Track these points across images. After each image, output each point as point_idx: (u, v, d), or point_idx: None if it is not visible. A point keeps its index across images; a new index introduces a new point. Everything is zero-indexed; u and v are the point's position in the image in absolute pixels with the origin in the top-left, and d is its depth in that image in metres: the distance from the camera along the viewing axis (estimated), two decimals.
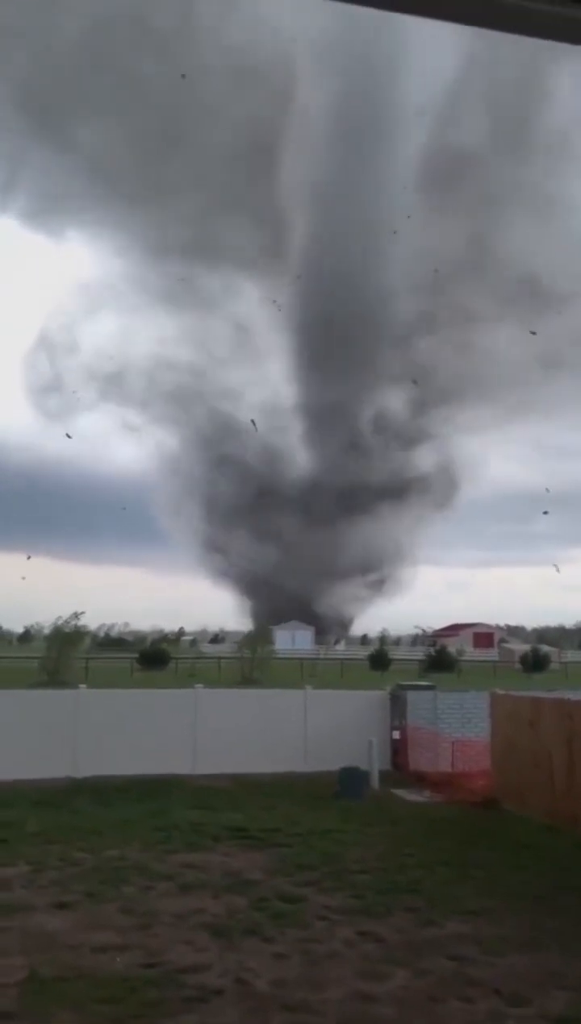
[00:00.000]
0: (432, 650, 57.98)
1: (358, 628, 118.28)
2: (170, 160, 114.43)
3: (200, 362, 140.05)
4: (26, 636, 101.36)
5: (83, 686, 19.28)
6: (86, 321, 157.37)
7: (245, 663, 43.74)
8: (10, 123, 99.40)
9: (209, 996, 6.67)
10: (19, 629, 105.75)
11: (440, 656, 54.87)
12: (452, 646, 65.48)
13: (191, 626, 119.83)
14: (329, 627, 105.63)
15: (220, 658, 56.05)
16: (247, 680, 39.48)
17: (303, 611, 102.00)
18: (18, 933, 8.01)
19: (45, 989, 6.73)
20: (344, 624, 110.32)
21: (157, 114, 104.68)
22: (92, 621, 79.40)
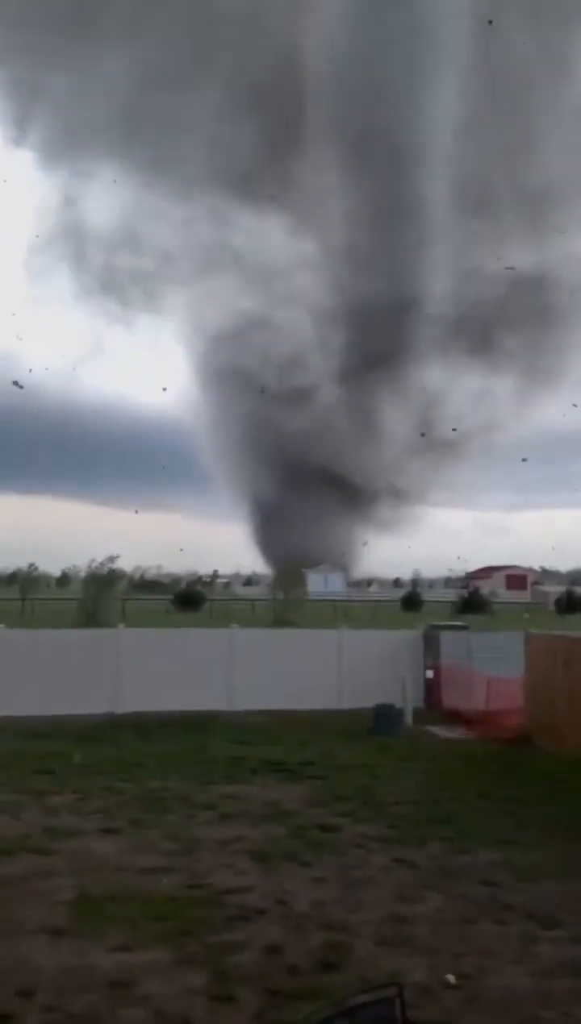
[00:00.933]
0: (465, 592, 58.14)
1: (390, 570, 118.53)
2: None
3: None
4: (64, 579, 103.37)
5: (121, 626, 19.70)
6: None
7: (278, 605, 44.28)
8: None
9: (252, 915, 6.98)
10: (56, 572, 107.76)
11: (473, 598, 55.04)
12: (485, 588, 65.62)
13: (225, 569, 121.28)
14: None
15: (254, 600, 56.79)
16: (281, 622, 40.00)
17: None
18: (68, 856, 8.39)
19: (95, 907, 7.08)
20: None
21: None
22: (127, 564, 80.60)
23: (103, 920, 6.80)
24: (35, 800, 10.39)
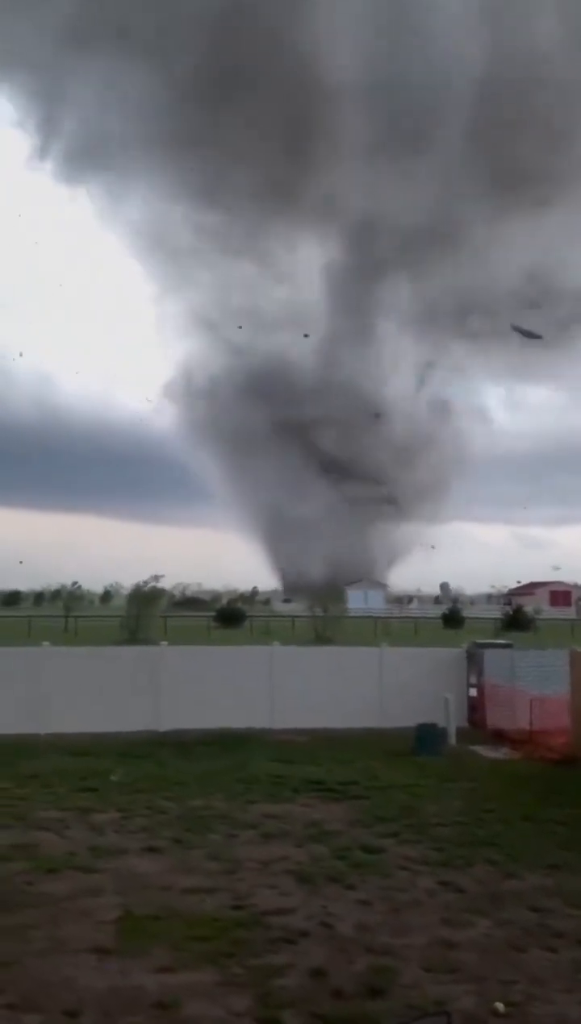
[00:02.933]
0: (508, 609, 57.38)
1: (431, 587, 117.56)
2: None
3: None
4: (106, 596, 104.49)
5: (164, 643, 19.82)
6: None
7: (318, 622, 44.15)
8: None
9: (295, 937, 6.92)
10: (99, 589, 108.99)
11: (516, 615, 54.28)
12: (528, 605, 64.69)
13: (264, 586, 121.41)
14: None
15: (294, 617, 56.71)
16: (321, 638, 39.86)
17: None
18: (112, 874, 8.42)
19: (140, 927, 7.09)
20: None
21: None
22: (167, 581, 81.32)
23: (147, 940, 6.81)
24: (79, 818, 10.46)
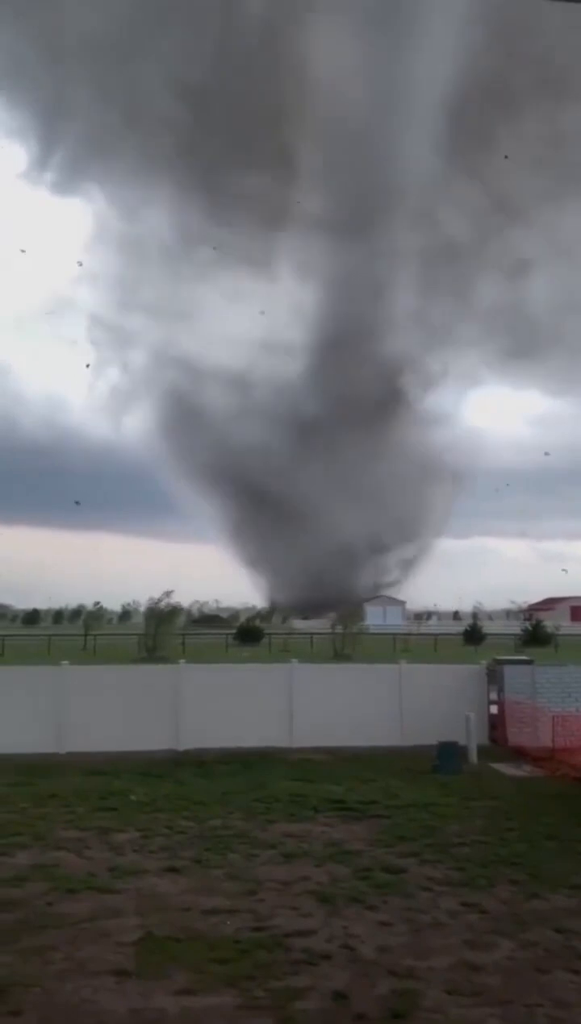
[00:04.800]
0: (528, 624, 56.89)
1: (449, 603, 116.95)
2: None
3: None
4: (125, 615, 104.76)
5: (182, 661, 19.81)
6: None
7: (337, 639, 44.01)
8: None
9: (317, 960, 6.85)
10: (117, 607, 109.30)
11: (536, 630, 53.80)
12: (548, 620, 64.11)
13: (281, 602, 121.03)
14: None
15: (312, 634, 56.55)
16: (340, 656, 39.72)
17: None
18: (133, 895, 8.39)
19: (161, 948, 7.05)
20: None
21: None
22: (185, 598, 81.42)
23: (168, 961, 6.76)
24: (99, 838, 10.44)
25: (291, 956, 6.90)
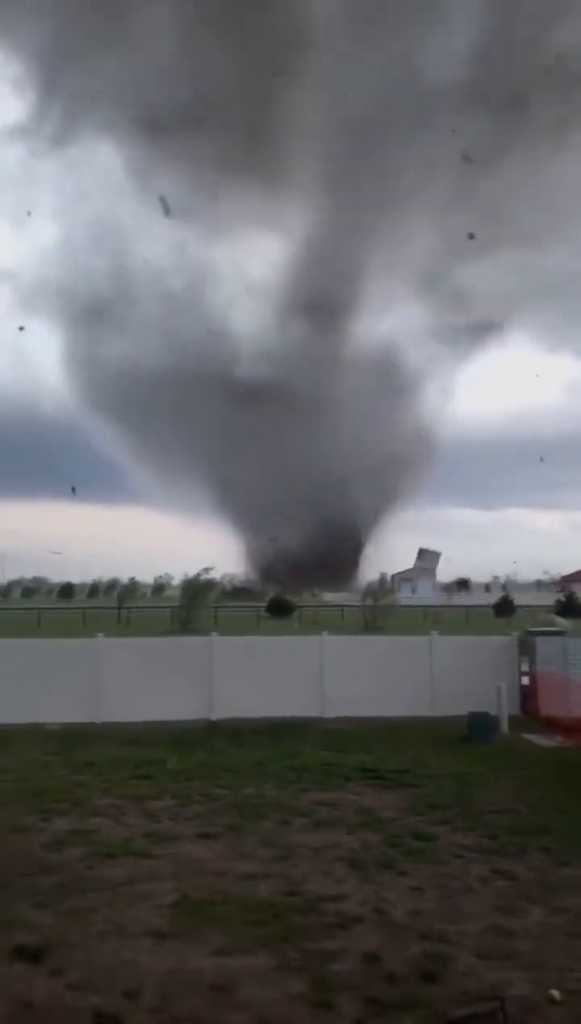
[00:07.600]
0: (561, 596, 56.46)
1: (481, 575, 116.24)
2: None
3: None
4: (159, 588, 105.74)
5: (215, 633, 20.02)
6: None
7: (368, 611, 44.10)
8: None
9: (349, 923, 6.99)
10: (149, 580, 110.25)
11: (569, 602, 53.37)
12: None
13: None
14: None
15: (343, 606, 56.69)
16: (370, 628, 39.81)
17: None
18: (169, 860, 8.59)
19: (196, 911, 7.23)
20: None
21: None
22: (216, 571, 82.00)
23: (204, 924, 6.94)
24: (135, 805, 10.67)
25: (324, 919, 7.05)
